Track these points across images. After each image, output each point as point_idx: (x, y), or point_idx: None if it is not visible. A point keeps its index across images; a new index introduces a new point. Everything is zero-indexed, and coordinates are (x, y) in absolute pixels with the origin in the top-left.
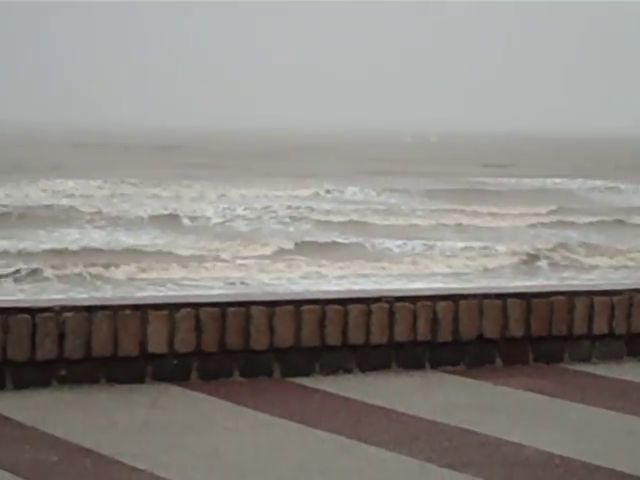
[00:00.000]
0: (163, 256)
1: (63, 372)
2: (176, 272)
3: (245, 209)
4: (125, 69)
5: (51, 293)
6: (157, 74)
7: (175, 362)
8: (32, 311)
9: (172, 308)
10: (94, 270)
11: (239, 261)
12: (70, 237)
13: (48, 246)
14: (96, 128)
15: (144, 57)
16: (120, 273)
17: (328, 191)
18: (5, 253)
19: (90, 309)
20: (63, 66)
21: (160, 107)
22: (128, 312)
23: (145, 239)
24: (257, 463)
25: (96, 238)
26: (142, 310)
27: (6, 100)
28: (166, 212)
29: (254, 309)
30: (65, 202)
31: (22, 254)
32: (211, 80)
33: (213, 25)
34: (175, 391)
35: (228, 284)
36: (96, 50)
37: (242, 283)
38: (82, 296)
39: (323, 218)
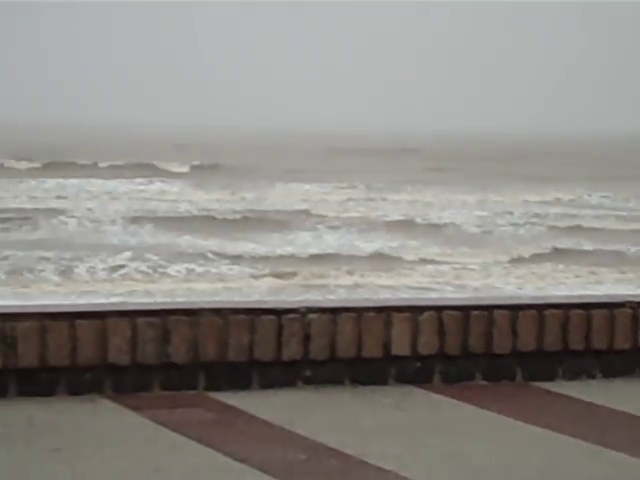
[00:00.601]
0: (397, 261)
1: (308, 373)
2: (409, 276)
3: (481, 213)
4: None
5: (289, 295)
6: (395, 78)
7: (418, 364)
8: (278, 312)
9: (415, 311)
10: (329, 273)
11: (473, 266)
12: (303, 241)
13: (282, 250)
14: (328, 132)
15: (368, 61)
16: (355, 276)
17: (573, 198)
18: (241, 257)
19: (335, 311)
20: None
21: (393, 111)
22: (372, 314)
23: (378, 243)
24: (501, 466)
25: (330, 242)
26: (386, 312)
27: (245, 105)
28: (401, 217)
29: (497, 313)
30: (300, 206)
31: (257, 258)
32: (444, 82)
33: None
34: (418, 393)
35: (460, 287)
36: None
37: (475, 289)
38: (324, 298)
39: (559, 223)
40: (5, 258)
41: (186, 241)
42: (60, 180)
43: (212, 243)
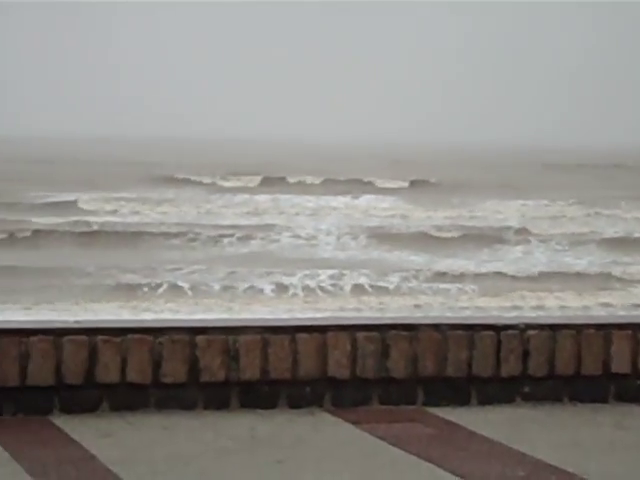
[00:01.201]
0: (612, 277)
1: (527, 389)
2: (625, 292)
3: None
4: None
5: (501, 311)
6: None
7: (639, 382)
8: (497, 328)
9: (636, 328)
10: (541, 289)
11: None
12: (514, 256)
13: (493, 266)
14: (540, 147)
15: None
16: (568, 293)
17: None
18: (451, 273)
19: (554, 327)
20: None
21: (603, 126)
22: (592, 331)
23: (592, 259)
24: None
25: (541, 258)
26: (605, 329)
27: (451, 121)
28: (616, 233)
29: None
30: (511, 222)
31: (467, 274)
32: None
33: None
34: (639, 412)
35: None
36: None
37: None
38: (537, 314)
39: None
40: (219, 271)
41: (397, 256)
42: (273, 195)
43: (422, 259)
